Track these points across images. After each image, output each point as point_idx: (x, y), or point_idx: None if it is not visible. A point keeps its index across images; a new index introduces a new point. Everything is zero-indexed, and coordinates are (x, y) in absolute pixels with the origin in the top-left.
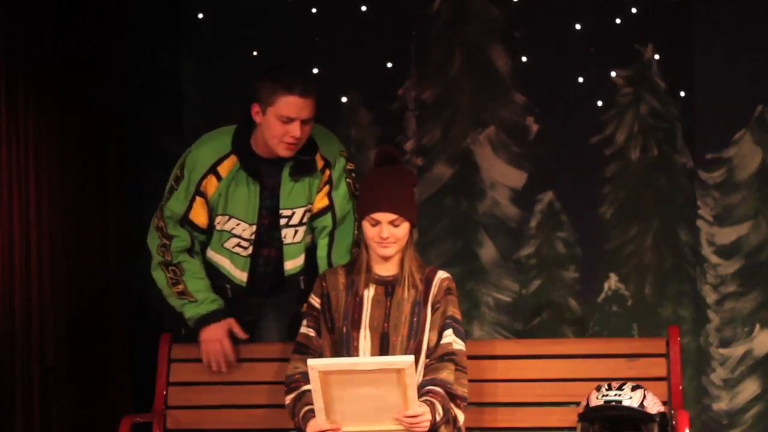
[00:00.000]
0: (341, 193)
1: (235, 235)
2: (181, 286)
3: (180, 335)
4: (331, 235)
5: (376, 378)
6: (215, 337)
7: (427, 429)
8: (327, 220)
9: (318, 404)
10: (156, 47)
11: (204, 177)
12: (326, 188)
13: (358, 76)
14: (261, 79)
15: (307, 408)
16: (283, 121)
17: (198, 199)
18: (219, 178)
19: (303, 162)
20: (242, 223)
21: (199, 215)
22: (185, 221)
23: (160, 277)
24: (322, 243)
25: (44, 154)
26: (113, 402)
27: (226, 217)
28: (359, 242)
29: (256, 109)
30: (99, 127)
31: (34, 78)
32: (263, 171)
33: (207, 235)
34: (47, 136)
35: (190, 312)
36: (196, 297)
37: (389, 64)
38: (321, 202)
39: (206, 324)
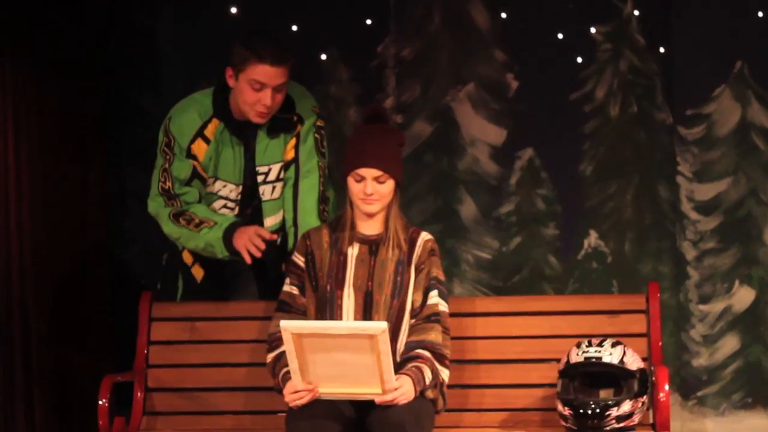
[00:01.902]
0: (308, 146)
1: (221, 197)
2: (196, 219)
3: (156, 290)
4: (295, 187)
5: (349, 343)
6: (244, 231)
7: (408, 400)
8: (291, 172)
9: (293, 365)
10: (134, 5)
11: (192, 141)
12: (293, 141)
13: (337, 34)
14: (235, 45)
15: (285, 369)
16: (254, 88)
17: (191, 161)
18: (207, 141)
19: (281, 120)
20: (229, 184)
21: (202, 172)
22: (194, 176)
23: (174, 228)
24: (287, 196)
25: (24, 117)
26: (94, 361)
27: (213, 179)
28: (328, 199)
29: (229, 73)
30: (78, 86)
31: (11, 37)
32: (246, 132)
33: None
34: (26, 95)
35: (215, 234)
36: (215, 219)
37: (368, 21)
38: (288, 154)
39: (233, 231)
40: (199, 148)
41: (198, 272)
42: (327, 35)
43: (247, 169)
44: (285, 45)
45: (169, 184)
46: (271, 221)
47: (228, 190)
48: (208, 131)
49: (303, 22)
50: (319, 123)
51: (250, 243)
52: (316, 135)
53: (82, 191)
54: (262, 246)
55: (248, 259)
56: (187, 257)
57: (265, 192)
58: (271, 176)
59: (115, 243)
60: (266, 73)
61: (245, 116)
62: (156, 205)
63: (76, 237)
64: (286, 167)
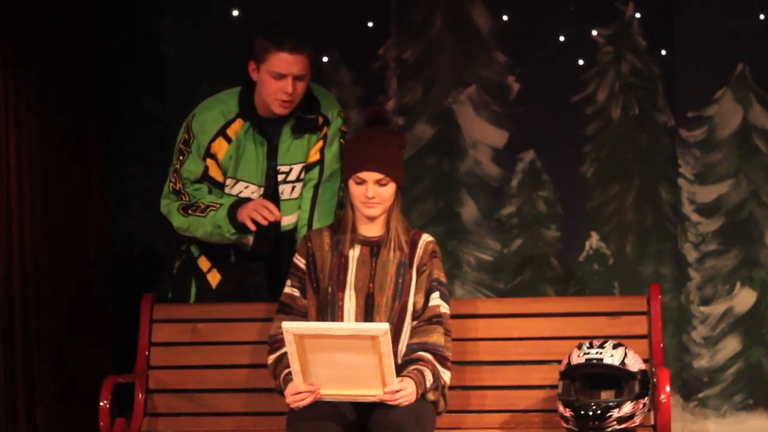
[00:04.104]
0: (333, 150)
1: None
2: (202, 206)
3: (158, 292)
4: (316, 188)
5: (350, 344)
6: (248, 204)
7: (410, 402)
8: (314, 173)
9: (294, 366)
10: (136, 7)
11: (213, 140)
12: (320, 143)
13: (338, 36)
14: (256, 39)
15: (287, 371)
16: (275, 77)
17: (210, 161)
18: (228, 140)
19: (306, 120)
20: (251, 186)
21: (216, 174)
22: (204, 179)
23: (183, 220)
24: (306, 196)
25: (24, 117)
26: (95, 362)
27: (234, 181)
28: (344, 204)
29: (252, 66)
30: (79, 87)
31: (12, 38)
32: (270, 131)
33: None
34: (27, 96)
35: (221, 213)
36: (220, 202)
37: (370, 24)
38: (313, 156)
39: (238, 206)
40: (220, 146)
41: (214, 278)
42: (328, 38)
43: (269, 170)
44: (305, 34)
45: (179, 185)
46: (287, 220)
47: (249, 191)
48: (231, 130)
49: (305, 24)
50: (343, 128)
51: (254, 212)
52: (342, 140)
53: (83, 192)
54: (270, 217)
55: (252, 226)
56: (203, 263)
57: (284, 191)
58: (292, 176)
59: (117, 244)
60: (285, 61)
61: (270, 111)
62: (167, 202)
63: (78, 238)
64: (309, 168)
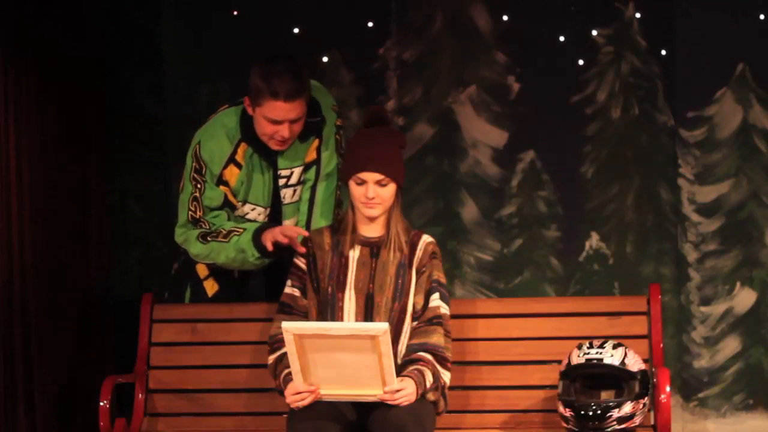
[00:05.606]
0: (329, 148)
1: (249, 220)
2: (224, 231)
3: (163, 298)
4: (313, 189)
5: (350, 344)
6: (272, 229)
7: (410, 402)
8: (311, 174)
9: (294, 366)
10: (136, 7)
11: (225, 167)
12: (316, 142)
13: (338, 36)
14: (252, 73)
15: (287, 371)
16: (270, 122)
17: (223, 187)
18: (239, 166)
19: (311, 123)
20: (257, 208)
21: (231, 198)
22: (225, 204)
23: (203, 248)
24: (304, 197)
25: (24, 117)
26: (96, 363)
27: (242, 203)
28: (341, 203)
29: (247, 102)
30: (79, 88)
31: (12, 41)
32: (273, 154)
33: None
34: (27, 96)
35: (245, 237)
36: (243, 227)
37: (370, 24)
38: (310, 155)
39: (262, 231)
40: (231, 173)
41: (211, 287)
42: (328, 37)
43: (275, 192)
44: (302, 74)
45: (200, 213)
46: (289, 224)
47: (256, 213)
48: (239, 156)
49: (304, 24)
50: (338, 122)
51: (279, 234)
52: (337, 136)
53: (83, 192)
54: (293, 233)
55: (270, 247)
56: (201, 270)
57: (286, 195)
58: (293, 179)
59: (117, 244)
60: (281, 109)
61: None
62: (183, 231)
63: (78, 238)
64: (306, 168)
